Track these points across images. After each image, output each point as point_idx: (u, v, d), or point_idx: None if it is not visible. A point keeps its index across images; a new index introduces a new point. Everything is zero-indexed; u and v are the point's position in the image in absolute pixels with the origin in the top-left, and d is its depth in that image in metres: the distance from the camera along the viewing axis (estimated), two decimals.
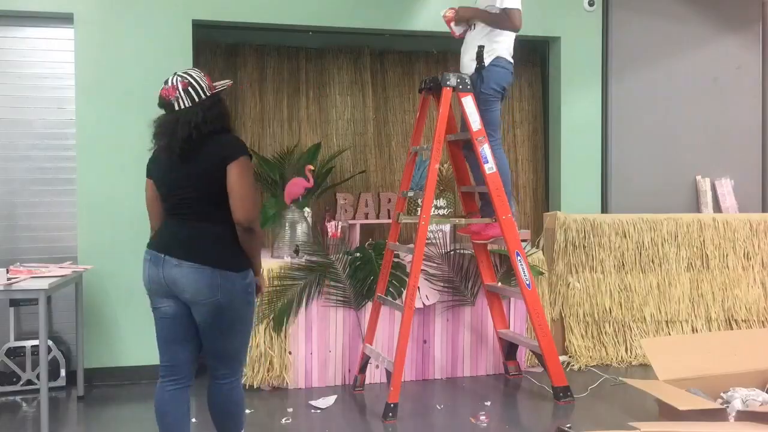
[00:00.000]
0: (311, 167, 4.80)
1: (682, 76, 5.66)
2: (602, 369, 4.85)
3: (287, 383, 4.45)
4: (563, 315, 5.10)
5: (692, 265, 5.26)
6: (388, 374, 4.03)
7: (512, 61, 4.32)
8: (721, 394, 3.66)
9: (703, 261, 5.28)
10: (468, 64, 4.30)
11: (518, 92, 5.98)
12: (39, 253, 4.56)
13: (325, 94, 5.68)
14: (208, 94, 2.77)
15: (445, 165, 5.12)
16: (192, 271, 2.67)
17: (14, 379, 4.39)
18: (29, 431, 3.85)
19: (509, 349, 4.65)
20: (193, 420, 3.94)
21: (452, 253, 4.70)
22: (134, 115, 4.58)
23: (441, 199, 5.09)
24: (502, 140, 4.61)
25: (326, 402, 4.13)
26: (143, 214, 4.52)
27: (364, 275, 4.51)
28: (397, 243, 4.38)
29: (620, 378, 4.31)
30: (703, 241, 5.27)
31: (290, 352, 4.45)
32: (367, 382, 4.51)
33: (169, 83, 2.76)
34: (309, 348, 4.49)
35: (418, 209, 4.95)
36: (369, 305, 4.51)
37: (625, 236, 5.18)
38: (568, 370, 4.78)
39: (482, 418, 3.87)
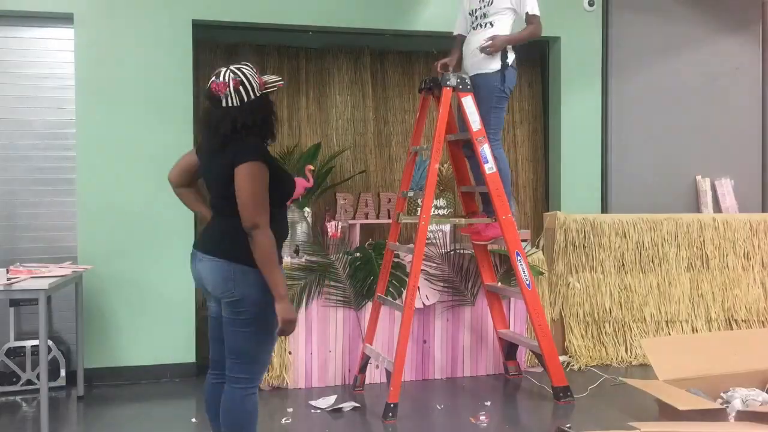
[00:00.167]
0: (311, 167, 4.79)
1: (682, 76, 5.66)
2: (602, 369, 4.85)
3: (287, 383, 4.45)
4: (563, 315, 5.10)
5: (692, 265, 5.26)
6: (388, 374, 4.03)
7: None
8: (721, 394, 3.66)
9: (703, 261, 5.28)
10: (485, 63, 4.24)
11: (518, 92, 5.98)
12: (39, 253, 4.56)
13: (325, 94, 5.68)
14: (258, 94, 2.69)
15: (445, 165, 5.12)
16: (211, 264, 2.70)
17: (14, 379, 4.39)
18: (29, 431, 3.85)
19: (509, 349, 4.65)
20: (193, 420, 3.95)
21: (452, 253, 4.71)
22: (134, 114, 4.59)
23: (441, 199, 5.09)
24: (502, 140, 4.61)
25: (326, 402, 4.13)
26: (143, 214, 4.58)
27: (364, 275, 4.51)
28: (397, 243, 4.38)
29: (620, 378, 4.31)
30: (703, 241, 5.27)
31: (290, 352, 4.45)
32: (367, 382, 4.51)
33: (221, 78, 2.65)
34: (309, 348, 4.49)
35: (418, 209, 4.95)
36: (369, 305, 4.51)
37: (625, 236, 5.18)
38: (568, 370, 4.78)
39: (482, 418, 3.87)
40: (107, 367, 4.57)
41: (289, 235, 4.67)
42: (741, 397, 3.54)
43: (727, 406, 3.47)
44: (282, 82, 2.80)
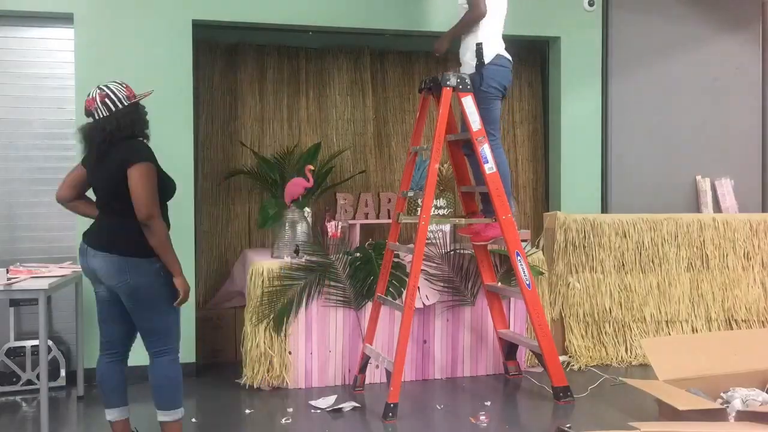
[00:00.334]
0: (311, 167, 4.80)
1: (682, 76, 5.66)
2: (602, 369, 4.85)
3: (287, 383, 4.45)
4: (563, 315, 5.10)
5: (692, 265, 5.26)
6: (388, 374, 4.03)
7: (511, 59, 4.32)
8: (721, 394, 3.66)
9: (703, 261, 5.28)
10: (468, 62, 4.30)
11: (518, 92, 5.99)
12: (39, 253, 4.56)
13: (325, 94, 5.68)
14: (125, 103, 3.12)
15: (445, 165, 5.12)
16: (104, 259, 3.08)
17: (14, 379, 4.39)
18: (29, 431, 3.85)
19: (509, 349, 4.65)
20: (193, 420, 3.95)
21: (452, 253, 4.70)
22: None
23: (441, 199, 5.09)
24: (501, 140, 4.60)
25: (326, 402, 4.13)
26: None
27: (364, 275, 4.51)
28: (397, 243, 4.38)
29: (620, 378, 4.31)
30: (703, 241, 5.27)
31: (290, 352, 4.45)
32: (367, 382, 4.51)
33: (90, 95, 3.11)
34: (309, 348, 4.49)
35: (418, 209, 4.95)
36: (369, 305, 4.51)
37: (625, 236, 5.18)
38: (568, 370, 4.78)
39: (482, 418, 3.87)
40: None
41: (290, 236, 4.68)
42: (741, 397, 3.54)
43: (727, 406, 3.47)
44: (150, 92, 3.32)
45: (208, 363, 4.88)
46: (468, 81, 4.12)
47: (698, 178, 5.69)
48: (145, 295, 3.11)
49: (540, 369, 4.56)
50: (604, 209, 5.52)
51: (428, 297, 4.59)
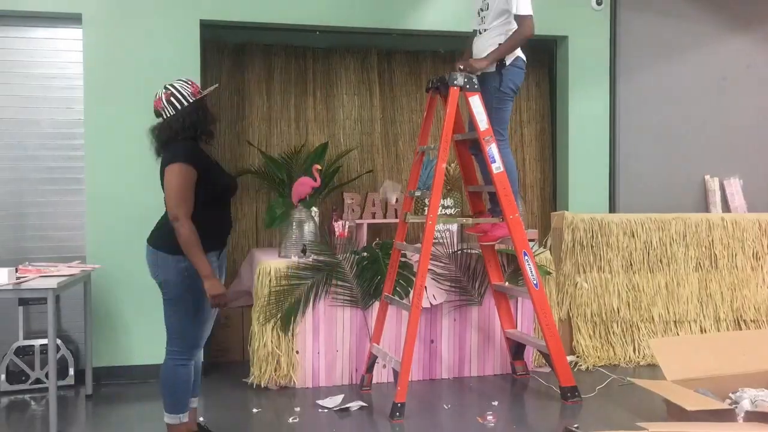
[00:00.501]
0: (318, 167, 4.80)
1: (691, 75, 5.64)
2: (610, 369, 4.84)
3: (294, 382, 4.46)
4: (571, 315, 5.08)
5: (701, 265, 5.24)
6: (395, 374, 4.03)
7: (525, 59, 4.33)
8: (730, 394, 3.64)
9: (712, 261, 5.25)
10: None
11: (526, 91, 5.97)
12: (48, 253, 4.58)
13: (332, 94, 5.68)
14: (191, 100, 3.14)
15: (452, 165, 5.12)
16: (147, 251, 3.22)
17: (23, 378, 4.41)
18: (38, 430, 3.87)
19: (516, 349, 4.65)
20: (201, 419, 3.95)
21: (459, 252, 4.70)
22: (142, 114, 4.55)
23: (448, 198, 5.08)
24: (509, 139, 4.60)
25: (333, 401, 4.13)
26: (151, 214, 4.54)
27: (371, 275, 4.51)
28: (405, 243, 4.38)
29: (628, 378, 4.30)
30: (712, 240, 5.25)
31: (297, 352, 4.46)
32: (374, 381, 4.51)
33: (157, 96, 3.16)
34: (316, 347, 4.49)
35: (426, 209, 4.96)
36: (376, 305, 4.51)
37: (633, 236, 5.16)
38: (575, 370, 4.77)
39: (489, 417, 3.86)
40: (115, 366, 4.58)
41: (297, 235, 4.68)
42: (750, 398, 3.52)
43: (736, 407, 3.45)
44: (215, 86, 3.40)
45: (215, 362, 4.89)
46: (476, 80, 4.11)
47: (707, 177, 5.67)
48: (168, 291, 3.15)
49: (548, 369, 4.55)
50: (612, 209, 5.51)
51: (435, 297, 4.58)
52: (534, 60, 5.94)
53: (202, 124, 3.18)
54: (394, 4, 5.05)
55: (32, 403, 4.27)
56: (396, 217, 5.10)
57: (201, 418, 3.57)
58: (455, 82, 4.07)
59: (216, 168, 3.26)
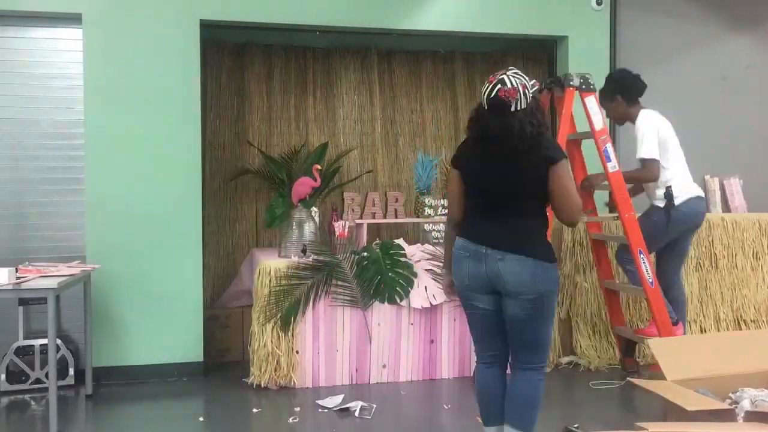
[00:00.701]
0: (318, 166, 4.81)
1: (691, 75, 5.63)
2: (610, 369, 4.83)
3: (294, 382, 4.45)
4: (571, 315, 5.08)
5: (701, 265, 5.24)
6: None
7: (702, 196, 4.49)
8: (730, 394, 3.64)
9: (712, 261, 5.25)
10: (654, 196, 4.44)
11: None
12: (48, 253, 4.58)
13: (332, 94, 5.68)
14: (531, 96, 2.82)
15: None
16: (518, 263, 2.79)
17: (23, 378, 4.41)
18: (38, 430, 3.87)
19: (627, 346, 4.67)
20: (201, 419, 3.96)
21: None
22: (142, 114, 4.60)
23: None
24: None
25: (333, 401, 4.13)
26: (151, 214, 4.59)
27: (371, 275, 4.51)
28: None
29: (628, 378, 4.29)
30: (712, 240, 5.25)
31: (297, 352, 4.46)
32: (374, 381, 4.52)
33: (509, 84, 2.75)
34: (316, 347, 4.49)
35: (425, 209, 4.96)
36: (376, 305, 4.51)
37: None
38: (575, 370, 4.77)
39: None
40: (116, 366, 4.58)
41: (297, 235, 4.69)
42: (750, 398, 3.51)
43: (736, 407, 3.44)
44: (539, 84, 2.99)
45: (215, 362, 4.89)
46: (591, 80, 4.17)
47: (707, 177, 5.66)
48: (547, 303, 2.88)
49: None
50: (612, 209, 5.49)
51: (435, 297, 4.58)
52: (534, 60, 5.95)
53: (546, 120, 2.96)
54: (394, 4, 5.05)
55: (32, 403, 4.27)
56: (396, 217, 5.11)
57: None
58: (571, 83, 4.16)
59: None
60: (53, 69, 4.64)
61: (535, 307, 2.84)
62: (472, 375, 4.62)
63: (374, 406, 4.06)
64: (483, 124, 2.83)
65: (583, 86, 4.18)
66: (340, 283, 4.48)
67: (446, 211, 5.03)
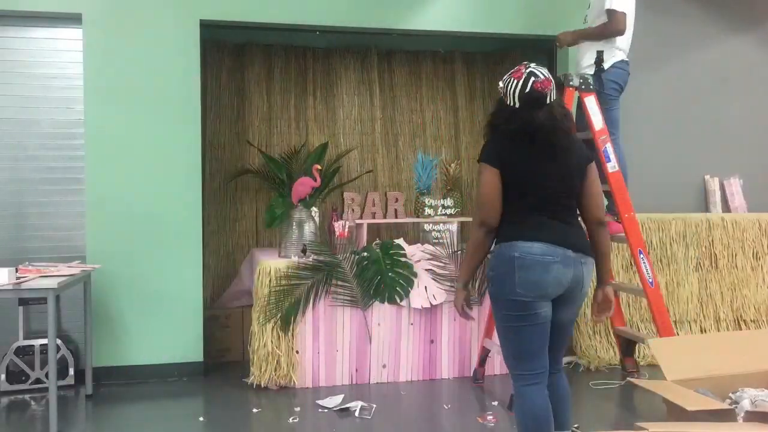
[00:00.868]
0: (318, 166, 4.81)
1: (691, 75, 5.64)
2: (610, 369, 4.83)
3: (294, 382, 4.45)
4: None
5: (701, 265, 5.24)
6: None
7: (628, 60, 4.46)
8: (730, 394, 3.64)
9: (712, 261, 5.25)
10: (586, 68, 4.39)
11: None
12: (48, 253, 4.58)
13: (332, 94, 5.69)
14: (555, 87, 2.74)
15: (452, 165, 5.12)
16: (591, 266, 2.75)
17: (23, 378, 4.41)
18: (38, 429, 3.87)
19: (627, 346, 4.65)
20: (201, 419, 3.96)
21: (459, 252, 4.70)
22: (142, 114, 4.60)
23: (448, 198, 5.08)
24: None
25: (333, 401, 4.13)
26: (151, 214, 4.59)
27: (371, 275, 4.51)
28: None
29: (628, 378, 4.30)
30: (712, 240, 5.25)
31: (297, 352, 4.46)
32: (374, 381, 4.52)
33: (541, 76, 2.67)
34: (316, 347, 4.49)
35: (426, 209, 4.96)
36: (376, 305, 4.51)
37: None
38: (575, 370, 4.77)
39: (489, 418, 3.86)
40: (115, 366, 4.58)
41: (297, 235, 4.69)
42: (750, 398, 3.52)
43: (736, 407, 3.45)
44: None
45: (215, 362, 4.89)
46: (591, 81, 4.19)
47: (707, 177, 5.67)
48: (584, 299, 2.83)
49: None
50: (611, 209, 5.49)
51: (435, 297, 4.58)
52: (534, 60, 5.93)
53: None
54: (394, 4, 5.05)
55: (32, 403, 4.27)
56: (396, 217, 5.11)
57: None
58: (570, 82, 4.17)
59: None
60: (53, 69, 4.64)
61: (578, 305, 2.82)
62: (472, 375, 4.63)
63: (374, 406, 4.07)
64: (523, 118, 2.65)
65: (583, 86, 4.18)
66: (340, 283, 4.48)
67: (447, 211, 5.05)
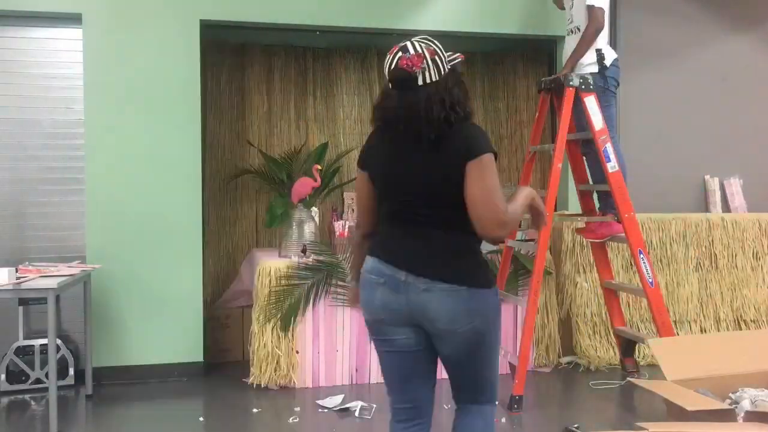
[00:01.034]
0: (319, 167, 4.81)
1: (691, 74, 5.63)
2: (610, 369, 4.83)
3: (294, 382, 4.45)
4: (571, 315, 5.08)
5: (701, 265, 5.24)
6: (512, 367, 4.23)
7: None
8: (730, 394, 3.64)
9: (712, 261, 5.25)
10: (586, 66, 4.36)
11: (525, 91, 5.98)
12: (48, 253, 4.58)
13: (332, 94, 5.69)
14: (448, 67, 2.15)
15: None
16: (446, 294, 2.12)
17: (23, 378, 4.41)
18: (38, 430, 3.87)
19: (627, 346, 4.67)
20: (200, 419, 3.96)
21: None
22: (142, 114, 4.60)
23: None
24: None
25: (333, 401, 4.13)
26: (151, 214, 4.59)
27: None
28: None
29: (628, 378, 4.30)
30: (712, 240, 5.25)
31: (297, 352, 4.46)
32: (373, 381, 4.51)
33: (411, 50, 2.12)
34: (316, 347, 4.49)
35: None
36: None
37: None
38: (575, 370, 4.77)
39: None
40: (116, 366, 4.58)
41: (297, 235, 4.69)
42: (750, 398, 3.51)
43: (736, 407, 3.44)
44: (463, 56, 2.23)
45: (215, 362, 4.89)
46: (591, 81, 4.19)
47: (707, 177, 5.67)
48: (489, 335, 2.22)
49: (548, 369, 4.53)
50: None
51: None
52: (534, 60, 5.95)
53: (468, 100, 2.20)
54: (394, 4, 5.05)
55: (32, 403, 4.27)
56: None
57: None
58: (571, 83, 4.16)
59: None
60: (53, 69, 4.64)
61: (474, 345, 2.19)
62: None
63: (374, 406, 4.07)
64: (384, 105, 2.19)
65: (583, 86, 4.18)
66: (340, 283, 4.48)
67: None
